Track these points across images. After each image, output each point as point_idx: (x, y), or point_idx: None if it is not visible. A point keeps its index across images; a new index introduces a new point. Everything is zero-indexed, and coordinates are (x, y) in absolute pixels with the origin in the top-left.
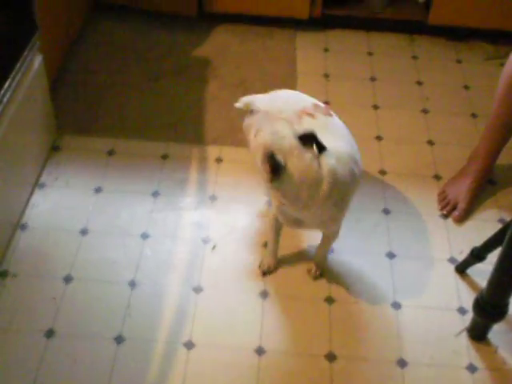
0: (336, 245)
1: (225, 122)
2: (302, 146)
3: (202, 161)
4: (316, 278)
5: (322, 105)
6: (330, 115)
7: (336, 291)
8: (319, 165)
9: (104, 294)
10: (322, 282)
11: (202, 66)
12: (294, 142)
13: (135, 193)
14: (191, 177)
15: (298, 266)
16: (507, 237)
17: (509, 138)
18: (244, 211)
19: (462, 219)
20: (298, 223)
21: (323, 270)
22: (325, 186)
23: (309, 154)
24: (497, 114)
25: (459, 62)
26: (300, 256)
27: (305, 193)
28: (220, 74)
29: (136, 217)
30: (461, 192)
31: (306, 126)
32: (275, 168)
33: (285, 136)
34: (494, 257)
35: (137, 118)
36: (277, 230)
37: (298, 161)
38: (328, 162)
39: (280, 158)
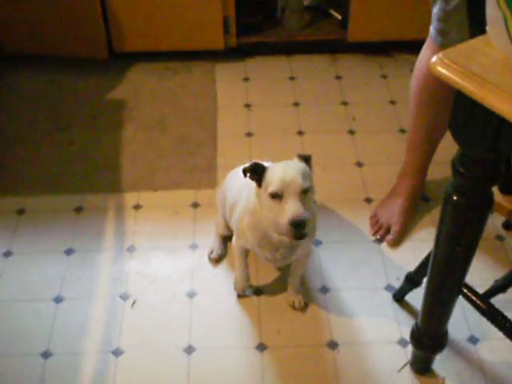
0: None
1: (142, 166)
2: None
3: (119, 210)
4: (303, 308)
5: None
6: None
7: (266, 338)
8: None
9: (15, 368)
10: (248, 330)
11: (116, 110)
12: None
13: (47, 252)
14: (108, 228)
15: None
16: (430, 261)
17: (433, 150)
18: (165, 260)
19: (396, 242)
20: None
21: (304, 300)
22: None
23: None
24: (414, 128)
25: (384, 77)
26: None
27: None
28: (136, 116)
29: (48, 279)
30: (393, 214)
31: None
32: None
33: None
34: None
35: (47, 171)
36: (244, 255)
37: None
38: None
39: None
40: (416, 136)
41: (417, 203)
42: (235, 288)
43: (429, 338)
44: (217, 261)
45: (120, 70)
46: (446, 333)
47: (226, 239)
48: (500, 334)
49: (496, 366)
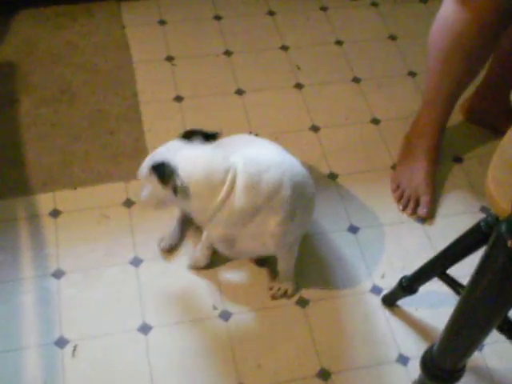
0: None
1: (52, 155)
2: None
3: (33, 219)
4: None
5: None
6: None
7: (245, 376)
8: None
9: None
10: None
11: (5, 77)
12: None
13: None
14: (23, 246)
15: None
16: (464, 293)
17: (455, 104)
18: (103, 285)
19: (431, 215)
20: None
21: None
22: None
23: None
24: (435, 85)
25: (324, 9)
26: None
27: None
28: (33, 84)
29: None
30: (419, 181)
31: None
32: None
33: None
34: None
35: None
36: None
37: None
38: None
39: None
40: (437, 94)
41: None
42: (160, 244)
43: (446, 372)
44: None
45: (3, 22)
46: (465, 365)
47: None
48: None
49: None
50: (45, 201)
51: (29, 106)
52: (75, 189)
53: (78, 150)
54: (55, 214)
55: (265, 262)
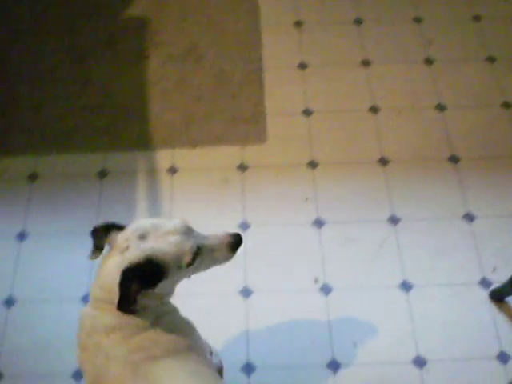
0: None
1: (175, 113)
2: None
3: (151, 174)
4: None
5: None
6: None
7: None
8: None
9: None
10: None
11: (136, 33)
12: None
13: (70, 234)
14: (138, 200)
15: None
16: None
17: None
18: None
19: None
20: None
21: None
22: None
23: None
24: None
25: None
26: None
27: None
28: (161, 41)
29: (76, 270)
30: None
31: None
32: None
33: None
34: None
35: (60, 121)
36: None
37: None
38: None
39: None
40: None
41: None
42: None
43: None
44: None
45: None
46: None
47: None
48: None
49: None
50: (164, 157)
51: (156, 63)
52: (194, 148)
53: (199, 110)
54: (173, 170)
55: None
